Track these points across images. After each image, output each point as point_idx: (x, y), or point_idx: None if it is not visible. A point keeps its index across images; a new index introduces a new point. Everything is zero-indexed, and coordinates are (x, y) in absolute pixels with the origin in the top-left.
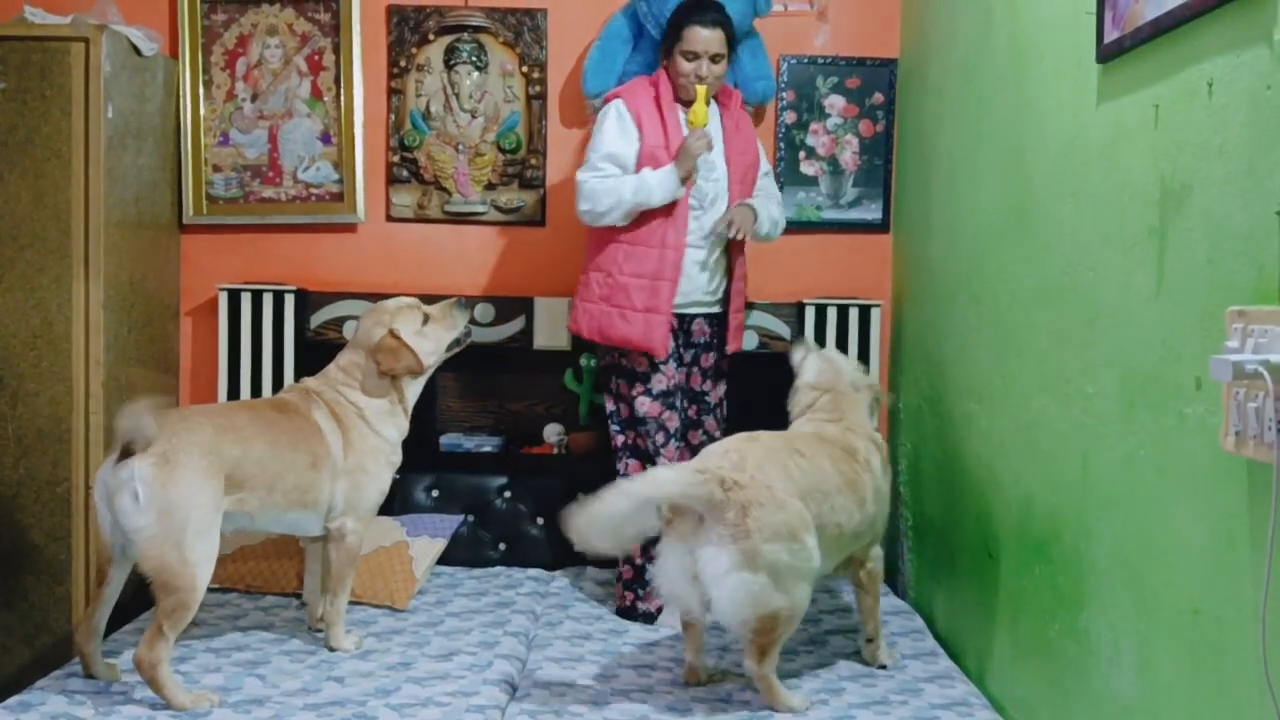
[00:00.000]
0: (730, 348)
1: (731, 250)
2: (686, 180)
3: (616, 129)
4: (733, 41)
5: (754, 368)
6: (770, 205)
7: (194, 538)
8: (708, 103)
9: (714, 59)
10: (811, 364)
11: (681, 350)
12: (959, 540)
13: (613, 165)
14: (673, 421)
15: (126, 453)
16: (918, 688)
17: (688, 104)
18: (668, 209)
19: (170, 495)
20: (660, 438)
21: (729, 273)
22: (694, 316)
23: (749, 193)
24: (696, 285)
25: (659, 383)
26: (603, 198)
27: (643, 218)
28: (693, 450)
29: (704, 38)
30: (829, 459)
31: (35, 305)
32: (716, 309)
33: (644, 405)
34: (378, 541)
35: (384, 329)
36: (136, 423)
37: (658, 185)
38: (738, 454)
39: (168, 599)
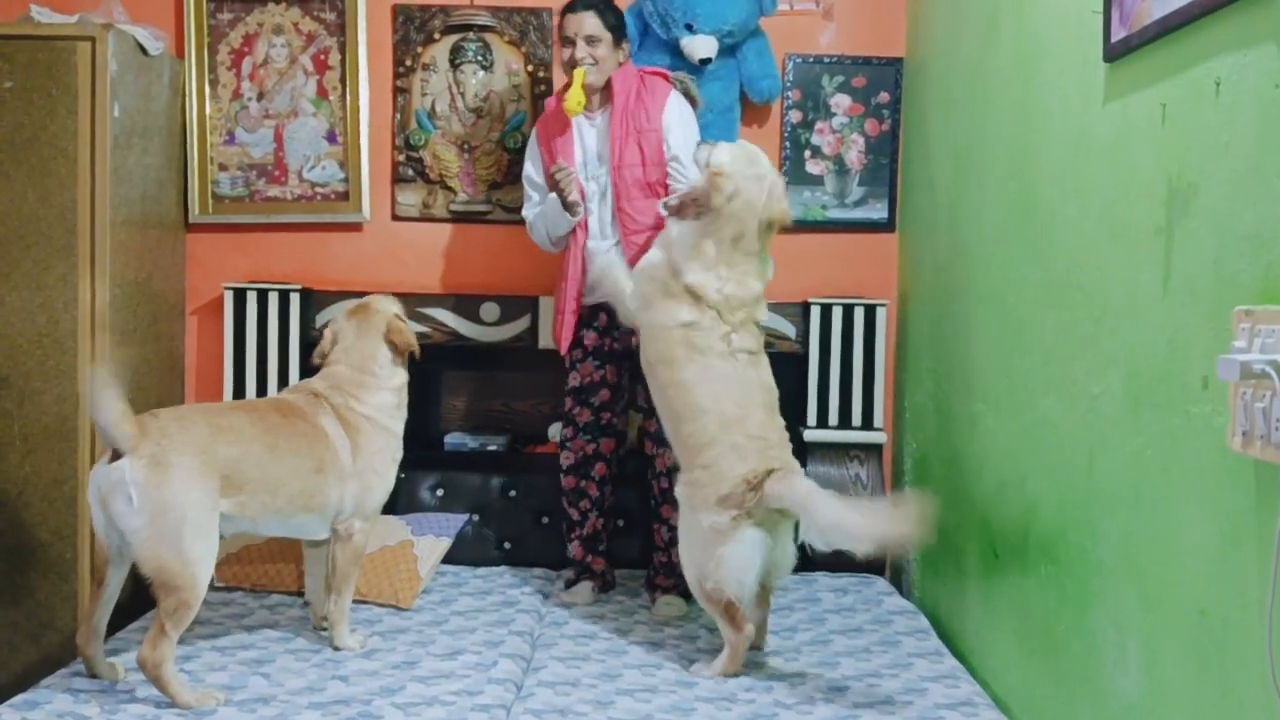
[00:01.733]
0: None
1: (624, 239)
2: (574, 205)
3: (529, 154)
4: (615, 29)
5: None
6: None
7: (191, 537)
8: (589, 90)
9: (589, 41)
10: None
11: (612, 343)
12: (964, 539)
13: (531, 189)
14: (583, 416)
15: (117, 454)
16: (923, 687)
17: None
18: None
19: (164, 496)
20: (569, 431)
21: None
22: None
23: (648, 178)
24: None
25: (574, 379)
26: (533, 235)
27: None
28: (653, 438)
29: (573, 20)
30: None
31: (41, 304)
32: None
33: (565, 399)
34: (382, 540)
35: (388, 315)
36: (110, 427)
37: (556, 215)
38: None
39: (169, 599)
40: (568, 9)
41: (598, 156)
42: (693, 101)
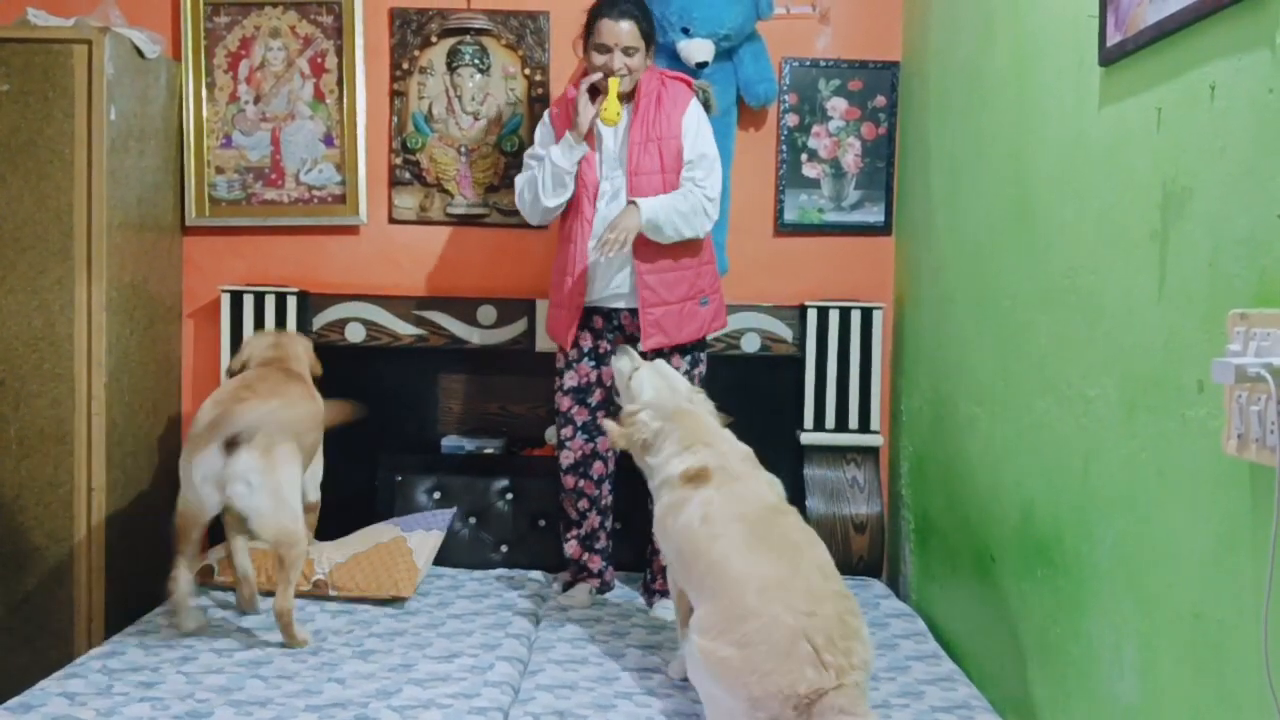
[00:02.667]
0: (642, 345)
1: (635, 244)
2: (587, 135)
3: (539, 129)
4: (649, 36)
5: (754, 370)
6: (677, 200)
7: (295, 501)
8: (622, 98)
9: (626, 51)
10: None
11: (604, 344)
12: (961, 543)
13: (534, 160)
14: (581, 415)
15: (232, 444)
16: (919, 690)
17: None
18: (575, 207)
19: (278, 477)
20: (568, 431)
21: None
22: (620, 310)
23: (664, 184)
24: (611, 278)
25: (570, 379)
26: (521, 200)
27: (564, 217)
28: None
29: (615, 30)
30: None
31: (38, 307)
32: (635, 303)
33: (558, 399)
34: (375, 540)
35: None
36: (242, 423)
37: (557, 150)
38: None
39: (290, 551)
40: (605, 14)
41: (616, 158)
42: (708, 108)
